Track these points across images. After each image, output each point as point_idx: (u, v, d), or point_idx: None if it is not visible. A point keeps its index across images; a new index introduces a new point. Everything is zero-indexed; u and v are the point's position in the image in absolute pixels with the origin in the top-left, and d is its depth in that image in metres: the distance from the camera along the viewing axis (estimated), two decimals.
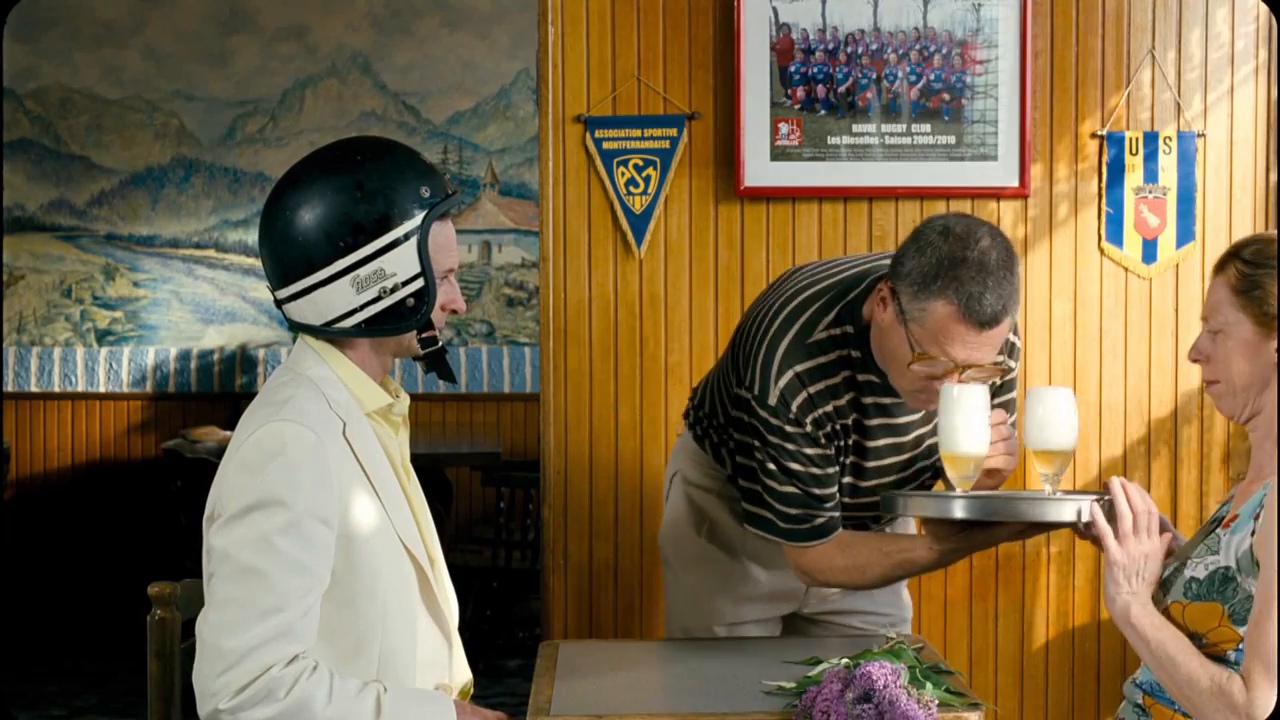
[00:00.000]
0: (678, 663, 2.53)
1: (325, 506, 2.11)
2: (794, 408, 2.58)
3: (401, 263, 2.19)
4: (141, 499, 6.79)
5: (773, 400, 2.59)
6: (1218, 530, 2.29)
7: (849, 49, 3.46)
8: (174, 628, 2.37)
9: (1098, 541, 2.29)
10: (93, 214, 7.01)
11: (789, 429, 2.59)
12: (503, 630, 6.05)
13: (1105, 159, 3.48)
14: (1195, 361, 2.36)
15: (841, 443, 2.64)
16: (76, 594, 6.78)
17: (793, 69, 3.46)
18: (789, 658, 2.45)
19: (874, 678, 2.08)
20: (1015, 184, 3.46)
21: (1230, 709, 2.11)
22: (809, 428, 2.59)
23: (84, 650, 6.35)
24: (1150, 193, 3.47)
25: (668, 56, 3.49)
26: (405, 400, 2.33)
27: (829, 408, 2.59)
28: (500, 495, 5.77)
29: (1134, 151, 3.47)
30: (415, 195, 2.20)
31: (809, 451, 2.60)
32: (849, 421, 2.62)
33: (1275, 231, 2.46)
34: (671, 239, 3.50)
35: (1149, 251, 3.47)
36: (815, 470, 2.61)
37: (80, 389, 6.98)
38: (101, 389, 6.98)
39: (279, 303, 2.25)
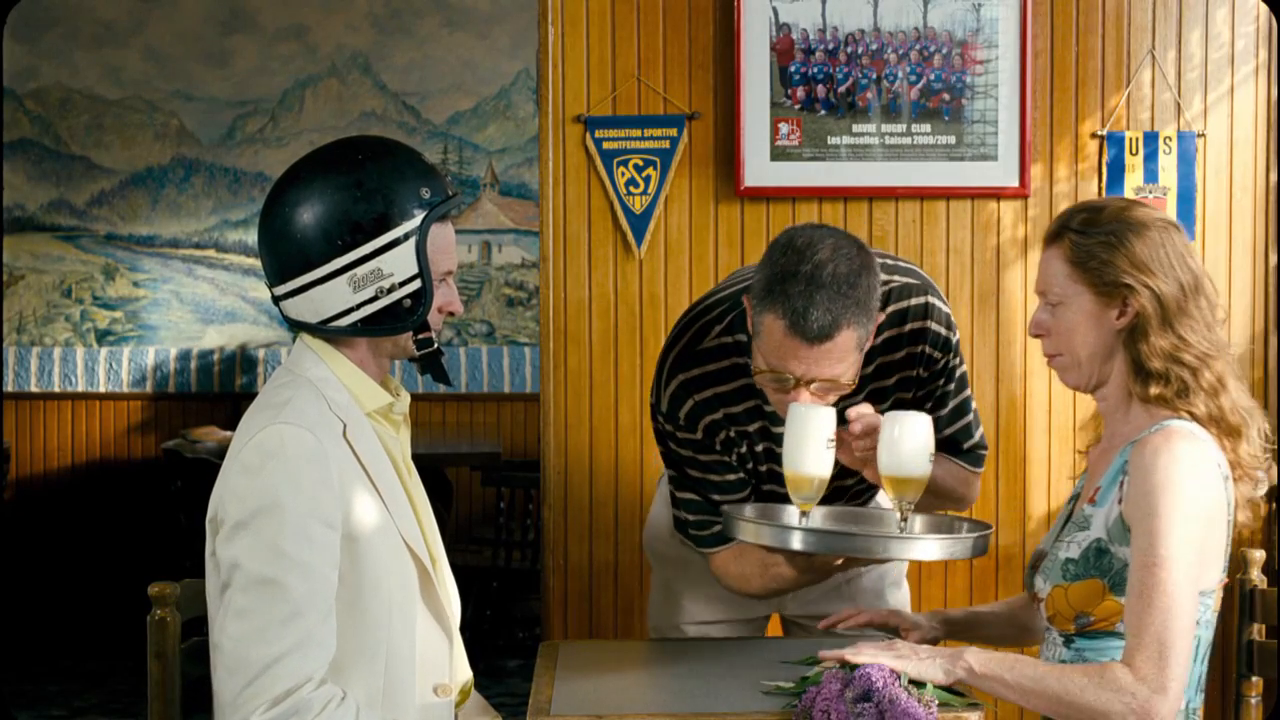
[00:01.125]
0: (678, 663, 2.53)
1: (327, 507, 2.11)
2: (682, 415, 2.58)
3: (399, 263, 2.19)
4: (141, 499, 6.79)
5: (665, 407, 2.60)
6: (1083, 506, 2.29)
7: (849, 49, 3.46)
8: (174, 628, 2.37)
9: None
10: (93, 214, 7.01)
11: (680, 435, 2.60)
12: (503, 630, 6.05)
13: (1105, 159, 3.48)
14: (1036, 336, 2.37)
15: (743, 449, 2.62)
16: (76, 594, 6.78)
17: (793, 69, 3.46)
18: (788, 658, 2.46)
19: (873, 678, 2.08)
20: (1015, 184, 3.46)
21: (1118, 690, 2.09)
22: (700, 434, 2.59)
23: (84, 650, 6.35)
24: (1150, 193, 3.47)
25: (668, 56, 3.49)
26: (406, 399, 2.33)
27: (719, 415, 2.57)
28: (500, 495, 5.77)
29: (1134, 151, 3.47)
30: (415, 196, 2.20)
31: (703, 458, 2.60)
32: (750, 429, 2.60)
33: (1106, 199, 2.47)
34: (671, 239, 3.50)
35: None
36: (712, 477, 2.61)
37: (80, 389, 6.98)
38: (101, 389, 6.98)
39: (276, 300, 2.25)
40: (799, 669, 2.33)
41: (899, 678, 2.11)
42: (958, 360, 2.65)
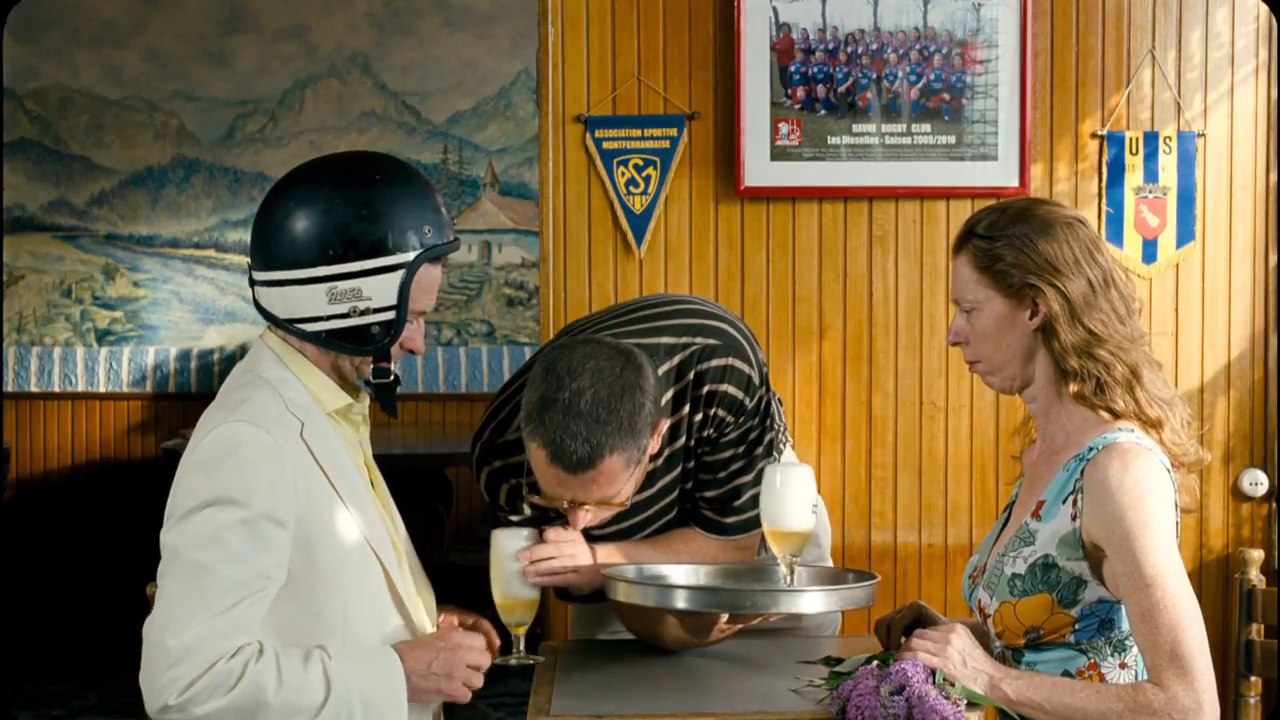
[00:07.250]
0: (678, 663, 2.53)
1: (279, 507, 2.12)
2: (502, 500, 2.61)
3: (381, 290, 2.20)
4: (141, 499, 6.78)
5: (486, 496, 2.64)
6: (1027, 520, 2.29)
7: (849, 49, 3.46)
8: None
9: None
10: (93, 214, 7.01)
11: (511, 518, 2.62)
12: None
13: (1105, 159, 3.48)
14: (955, 345, 2.38)
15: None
16: (77, 594, 6.78)
17: (793, 69, 3.46)
18: (788, 658, 2.46)
19: (908, 674, 2.11)
20: (1015, 184, 3.46)
21: (1154, 714, 2.09)
22: (524, 518, 2.60)
23: (84, 650, 6.35)
24: (1150, 193, 3.47)
25: (668, 56, 3.49)
26: (365, 400, 2.34)
27: (535, 498, 2.54)
28: None
29: (1134, 151, 3.47)
30: (417, 232, 2.21)
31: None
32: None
33: (1010, 200, 2.49)
34: (671, 239, 3.50)
35: (1149, 251, 3.47)
36: None
37: (80, 389, 6.98)
38: (101, 389, 6.98)
39: (252, 282, 2.27)
40: (816, 669, 2.34)
41: (933, 675, 2.12)
42: (756, 422, 2.61)
